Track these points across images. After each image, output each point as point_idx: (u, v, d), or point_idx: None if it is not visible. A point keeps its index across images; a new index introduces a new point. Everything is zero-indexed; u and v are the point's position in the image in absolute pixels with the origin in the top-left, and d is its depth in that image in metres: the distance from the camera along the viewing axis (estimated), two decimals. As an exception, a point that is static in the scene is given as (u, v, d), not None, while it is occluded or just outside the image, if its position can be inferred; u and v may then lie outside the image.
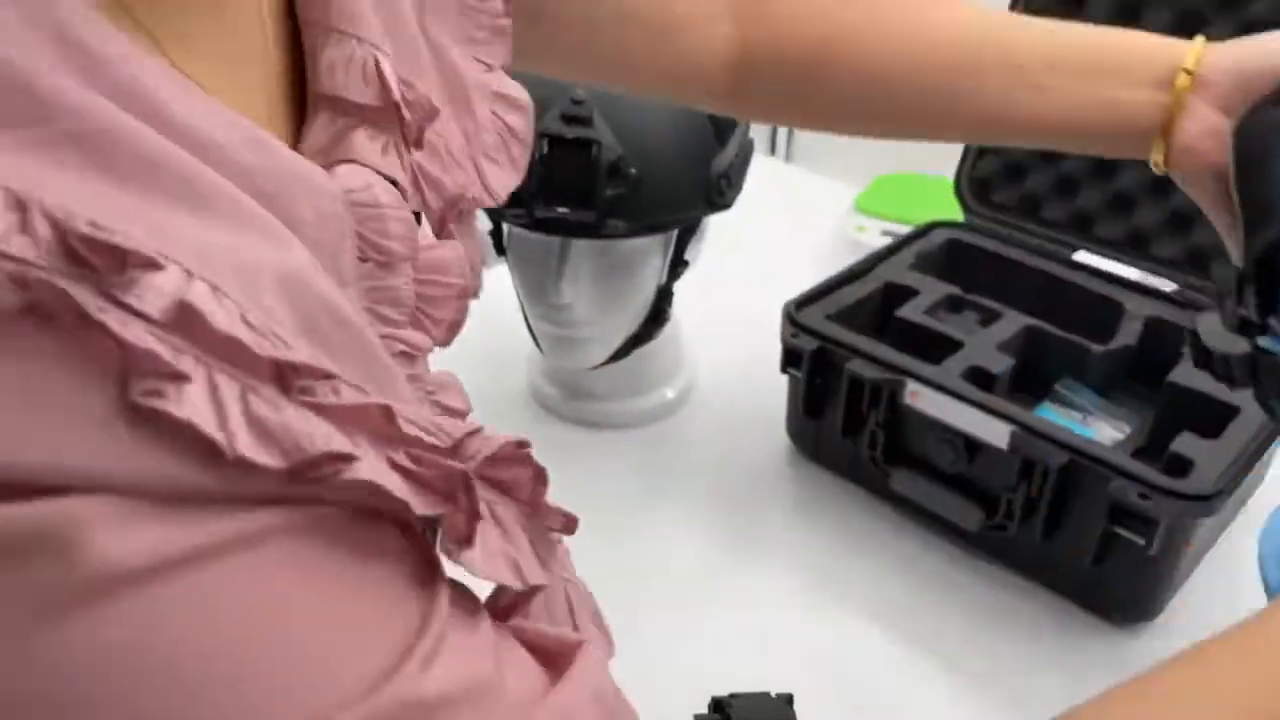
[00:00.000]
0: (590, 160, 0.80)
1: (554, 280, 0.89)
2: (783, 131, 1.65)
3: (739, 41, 0.61)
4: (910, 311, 0.94)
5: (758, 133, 1.71)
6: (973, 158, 1.08)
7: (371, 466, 0.26)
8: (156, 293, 0.23)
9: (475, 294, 0.43)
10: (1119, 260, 1.00)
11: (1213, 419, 0.80)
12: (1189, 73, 0.51)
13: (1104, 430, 0.91)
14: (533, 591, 0.33)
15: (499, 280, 1.00)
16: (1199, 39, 0.53)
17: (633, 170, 0.82)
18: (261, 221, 0.28)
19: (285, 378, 0.25)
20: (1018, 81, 0.55)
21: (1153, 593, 0.78)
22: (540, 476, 0.33)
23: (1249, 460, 0.75)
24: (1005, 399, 0.85)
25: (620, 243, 0.87)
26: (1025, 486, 0.79)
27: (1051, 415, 0.92)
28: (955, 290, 0.98)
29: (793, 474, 0.96)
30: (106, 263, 0.22)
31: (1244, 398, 0.82)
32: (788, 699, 0.58)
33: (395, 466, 0.27)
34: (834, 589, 0.85)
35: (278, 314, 0.26)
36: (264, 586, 0.25)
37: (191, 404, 0.23)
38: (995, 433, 0.79)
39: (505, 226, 0.92)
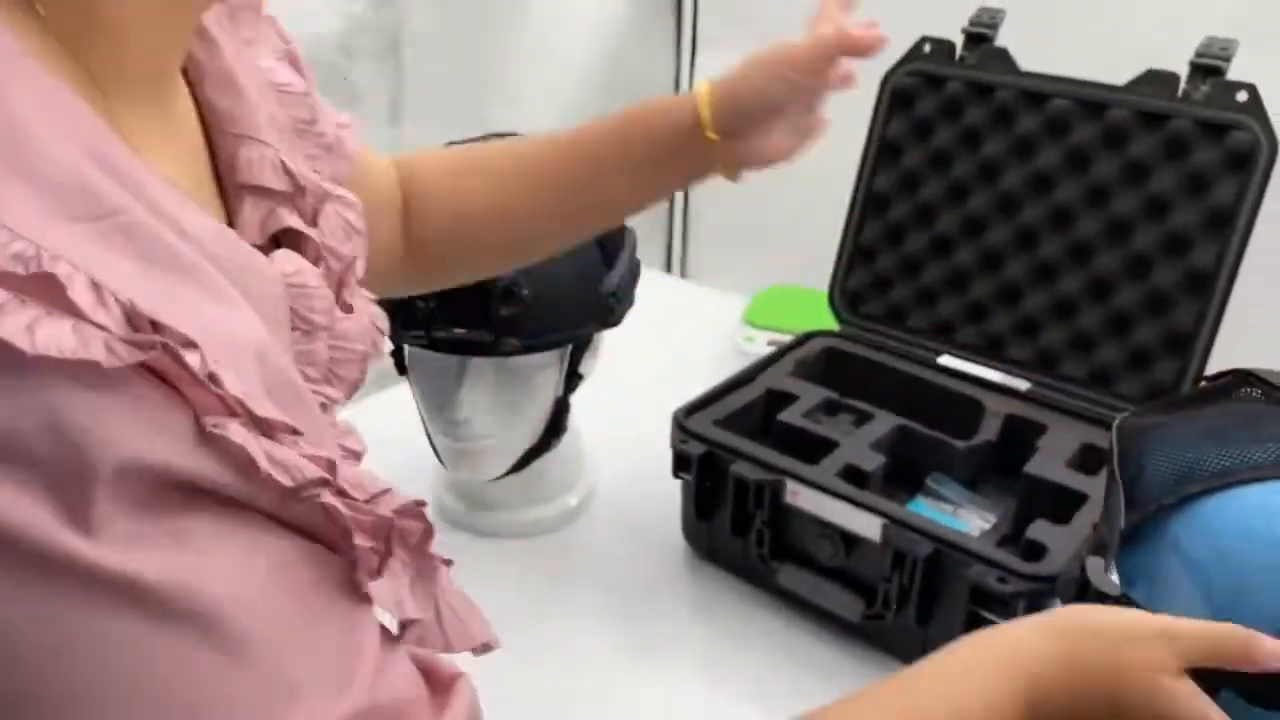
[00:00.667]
0: (485, 283, 0.85)
1: (453, 396, 0.93)
2: (677, 248, 1.74)
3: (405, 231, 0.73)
4: (790, 415, 1.01)
5: (655, 250, 1.80)
6: (843, 272, 1.17)
7: (331, 499, 0.34)
8: (198, 360, 0.31)
9: (378, 355, 0.50)
10: (979, 362, 1.08)
11: (1065, 506, 0.88)
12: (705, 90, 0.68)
13: (973, 520, 0.98)
14: (410, 623, 0.39)
15: (400, 398, 1.04)
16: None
17: (525, 291, 0.88)
18: (239, 303, 0.35)
19: (270, 429, 0.33)
20: (616, 166, 0.71)
21: (1020, 671, 0.84)
22: (428, 532, 0.39)
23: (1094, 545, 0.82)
24: (879, 495, 0.91)
25: (516, 359, 0.92)
26: (898, 576, 0.84)
27: (924, 509, 0.98)
28: (832, 394, 1.05)
29: (689, 575, 1.00)
30: (156, 335, 0.30)
31: (1093, 486, 0.90)
32: None
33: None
34: (730, 684, 0.89)
35: (253, 378, 0.34)
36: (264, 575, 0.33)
37: (240, 434, 0.32)
38: (868, 526, 0.85)
39: (405, 347, 0.96)
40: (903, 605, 0.86)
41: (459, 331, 0.87)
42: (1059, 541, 0.83)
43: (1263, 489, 0.57)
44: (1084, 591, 0.63)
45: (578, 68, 1.44)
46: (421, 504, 0.39)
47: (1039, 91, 1.03)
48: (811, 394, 1.05)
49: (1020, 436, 1.00)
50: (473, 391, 0.93)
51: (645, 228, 1.73)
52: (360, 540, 0.35)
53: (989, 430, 1.01)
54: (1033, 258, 1.05)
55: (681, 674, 0.90)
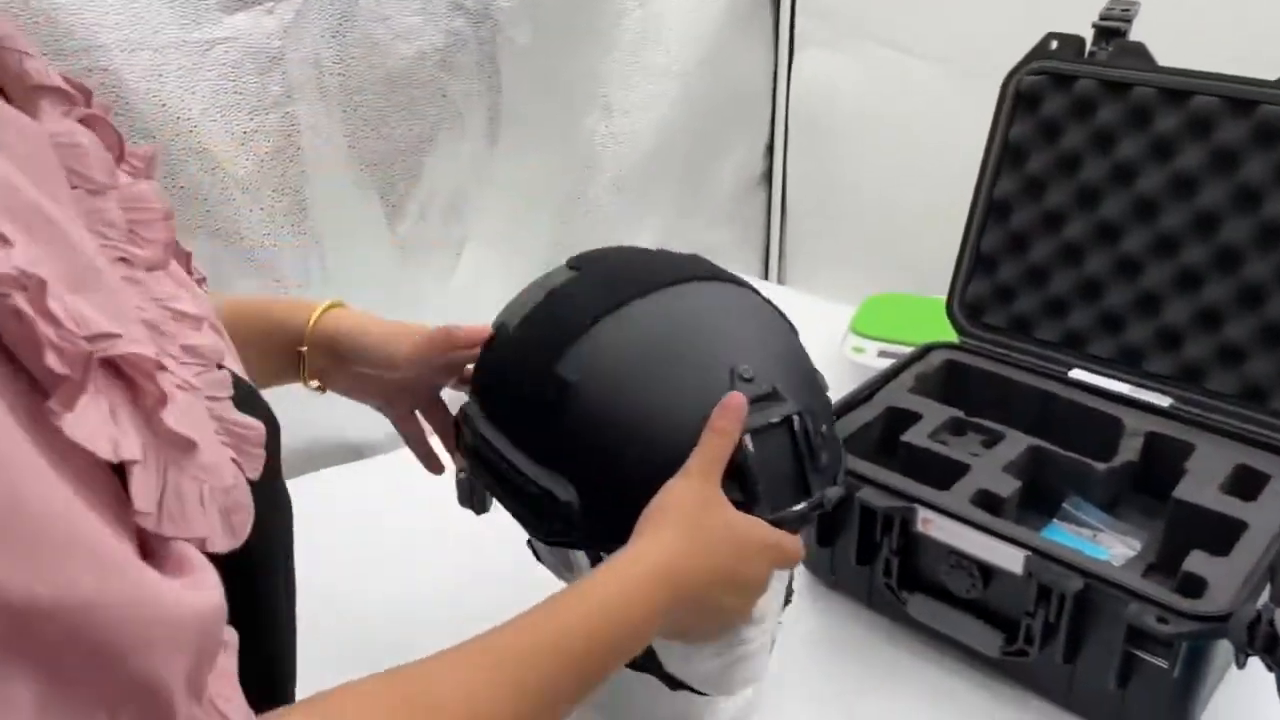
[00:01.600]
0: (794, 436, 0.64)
1: None
2: (775, 253, 1.70)
3: None
4: (915, 436, 0.96)
5: (751, 255, 1.76)
6: (963, 282, 1.12)
7: (22, 304, 0.31)
8: None
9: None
10: (1114, 376, 1.02)
11: (1222, 536, 0.82)
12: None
13: (1115, 547, 0.92)
14: (126, 466, 0.34)
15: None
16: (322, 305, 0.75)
17: (824, 426, 0.68)
18: None
19: None
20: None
21: (1179, 714, 0.78)
22: (162, 399, 0.35)
23: (1261, 579, 0.76)
24: (1014, 520, 0.87)
25: None
26: (1043, 611, 0.79)
27: (1061, 534, 0.93)
28: (957, 413, 1.00)
29: (811, 603, 0.97)
30: None
31: (1251, 513, 0.84)
32: None
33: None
34: (852, 716, 0.85)
35: None
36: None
37: None
38: (1009, 558, 0.80)
39: None
40: (1048, 641, 0.81)
41: (794, 509, 0.64)
42: (1219, 575, 0.77)
43: None
44: (1272, 647, 0.58)
45: (676, 77, 1.41)
46: (163, 366, 0.35)
47: (1180, 89, 0.96)
48: (936, 412, 1.00)
49: (1164, 457, 0.94)
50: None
51: (741, 232, 1.70)
52: (53, 361, 0.31)
53: (1129, 450, 0.95)
54: (1174, 265, 0.99)
55: (804, 708, 0.86)
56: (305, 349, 0.74)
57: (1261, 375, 0.94)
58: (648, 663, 0.69)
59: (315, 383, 0.76)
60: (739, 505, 0.61)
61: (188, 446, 0.35)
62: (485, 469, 0.68)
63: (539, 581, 0.68)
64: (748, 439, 0.61)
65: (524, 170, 1.29)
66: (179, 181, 0.95)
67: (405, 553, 1.02)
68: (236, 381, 0.44)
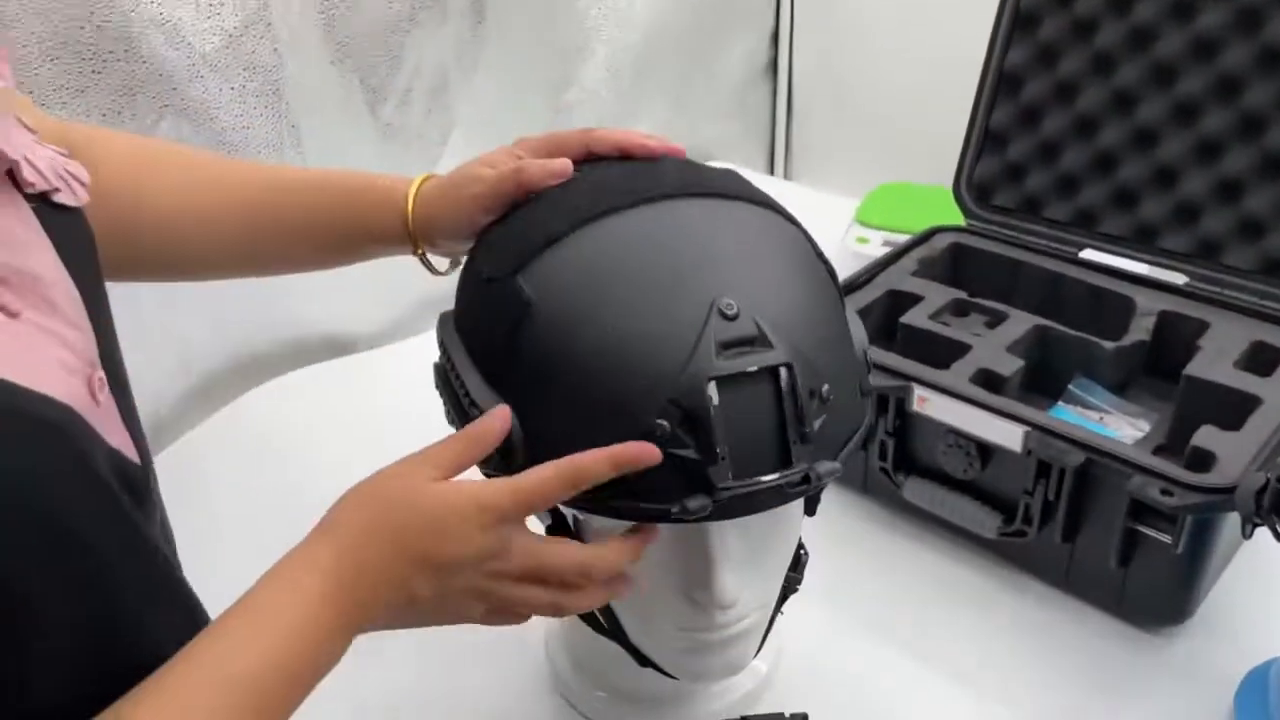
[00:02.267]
0: (779, 392, 0.53)
1: (706, 573, 0.59)
2: (780, 148, 1.64)
3: None
4: (914, 317, 0.92)
5: (756, 151, 1.70)
6: (971, 161, 1.07)
7: None
8: None
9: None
10: (1127, 255, 0.97)
11: (1234, 411, 0.78)
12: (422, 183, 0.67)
13: (1123, 429, 0.88)
14: None
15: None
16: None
17: (828, 389, 0.55)
18: None
19: None
20: (305, 214, 0.68)
21: (1182, 594, 0.75)
22: None
23: (1274, 450, 0.72)
24: (1017, 401, 0.83)
25: None
26: (1042, 489, 0.76)
27: (1067, 416, 0.89)
28: (960, 294, 0.96)
29: (804, 490, 0.94)
30: None
31: (1267, 388, 0.80)
32: (802, 717, 0.56)
33: None
34: (849, 607, 0.82)
35: None
36: None
37: None
38: (1008, 435, 0.77)
39: (582, 522, 0.62)
40: (1046, 521, 0.77)
41: (764, 479, 0.53)
42: (1230, 449, 0.73)
43: None
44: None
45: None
46: None
47: (1204, -59, 0.89)
48: (938, 294, 0.95)
49: (1177, 335, 0.89)
50: (727, 558, 0.59)
51: (744, 128, 1.64)
52: None
53: (1140, 330, 0.91)
54: (1193, 134, 0.93)
55: (797, 601, 0.84)
56: (413, 234, 0.66)
57: (1282, 248, 0.89)
58: (615, 631, 0.64)
59: (444, 264, 0.70)
60: (693, 464, 0.51)
61: None
62: (444, 383, 0.62)
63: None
64: (711, 386, 0.51)
65: (511, 52, 1.24)
66: (141, 55, 0.90)
67: (395, 449, 1.00)
68: (17, 398, 0.37)
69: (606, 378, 0.52)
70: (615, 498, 0.53)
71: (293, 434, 1.05)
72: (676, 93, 1.49)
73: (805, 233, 0.61)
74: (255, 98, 1.01)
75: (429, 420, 0.64)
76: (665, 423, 0.51)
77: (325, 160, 1.09)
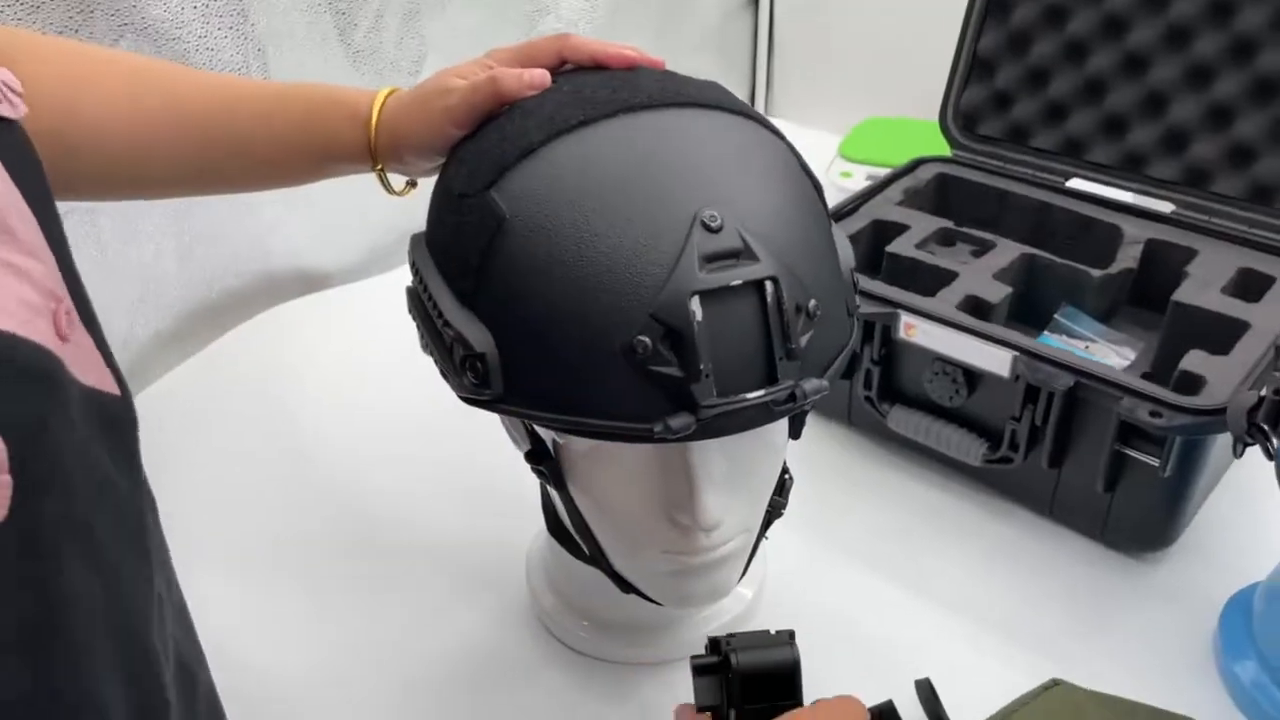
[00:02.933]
0: (765, 307, 0.51)
1: (687, 496, 0.57)
2: (761, 83, 1.61)
3: None
4: (901, 246, 0.91)
5: (736, 85, 1.67)
6: (957, 89, 1.04)
7: None
8: None
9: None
10: (1115, 184, 0.96)
11: (1222, 336, 0.77)
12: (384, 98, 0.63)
13: (1109, 358, 0.87)
14: None
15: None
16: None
17: (814, 303, 0.53)
18: None
19: None
20: (262, 125, 0.63)
21: (1167, 518, 0.75)
22: None
23: (1264, 372, 0.72)
24: (1005, 328, 0.82)
25: None
26: (1029, 414, 0.75)
27: (1053, 344, 0.88)
28: (947, 224, 0.94)
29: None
30: None
31: (1254, 313, 0.79)
32: (789, 634, 0.55)
33: None
34: (834, 535, 0.82)
35: None
36: None
37: None
38: (995, 360, 0.76)
39: (562, 446, 0.60)
40: (1033, 447, 0.77)
41: (749, 397, 0.51)
42: (1218, 373, 0.72)
43: None
44: (1276, 418, 0.54)
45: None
46: None
47: None
48: (924, 223, 0.94)
49: (1165, 264, 0.88)
50: (710, 479, 0.57)
51: (725, 61, 1.60)
52: None
53: (1128, 258, 0.90)
54: (1184, 58, 0.91)
55: (783, 533, 0.83)
56: (375, 150, 0.62)
57: (1271, 174, 0.88)
58: (597, 557, 0.63)
59: (399, 183, 0.66)
60: (676, 381, 0.49)
61: None
62: (417, 306, 0.59)
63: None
64: (694, 300, 0.49)
65: (486, -25, 1.20)
66: (98, -30, 0.86)
67: (380, 387, 0.98)
68: None
69: (584, 294, 0.50)
70: (595, 416, 0.51)
71: (276, 374, 1.03)
72: (656, 25, 1.46)
73: (791, 146, 0.59)
74: (219, 18, 0.97)
75: (413, 357, 0.62)
76: (647, 339, 0.49)
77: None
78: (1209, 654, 0.71)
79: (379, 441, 0.93)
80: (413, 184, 0.67)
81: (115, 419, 0.38)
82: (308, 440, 0.95)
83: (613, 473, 0.58)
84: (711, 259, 0.50)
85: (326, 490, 0.89)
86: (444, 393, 0.57)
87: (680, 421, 0.50)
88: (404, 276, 0.62)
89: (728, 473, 0.58)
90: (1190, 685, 0.69)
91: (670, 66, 0.62)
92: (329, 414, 0.97)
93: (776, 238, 0.52)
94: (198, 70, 0.70)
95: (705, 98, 0.57)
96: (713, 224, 0.50)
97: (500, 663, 0.73)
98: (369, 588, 0.79)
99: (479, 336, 0.52)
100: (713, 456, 0.56)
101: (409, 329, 0.61)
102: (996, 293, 0.84)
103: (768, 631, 0.55)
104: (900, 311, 0.80)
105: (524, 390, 0.53)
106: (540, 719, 0.69)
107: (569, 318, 0.50)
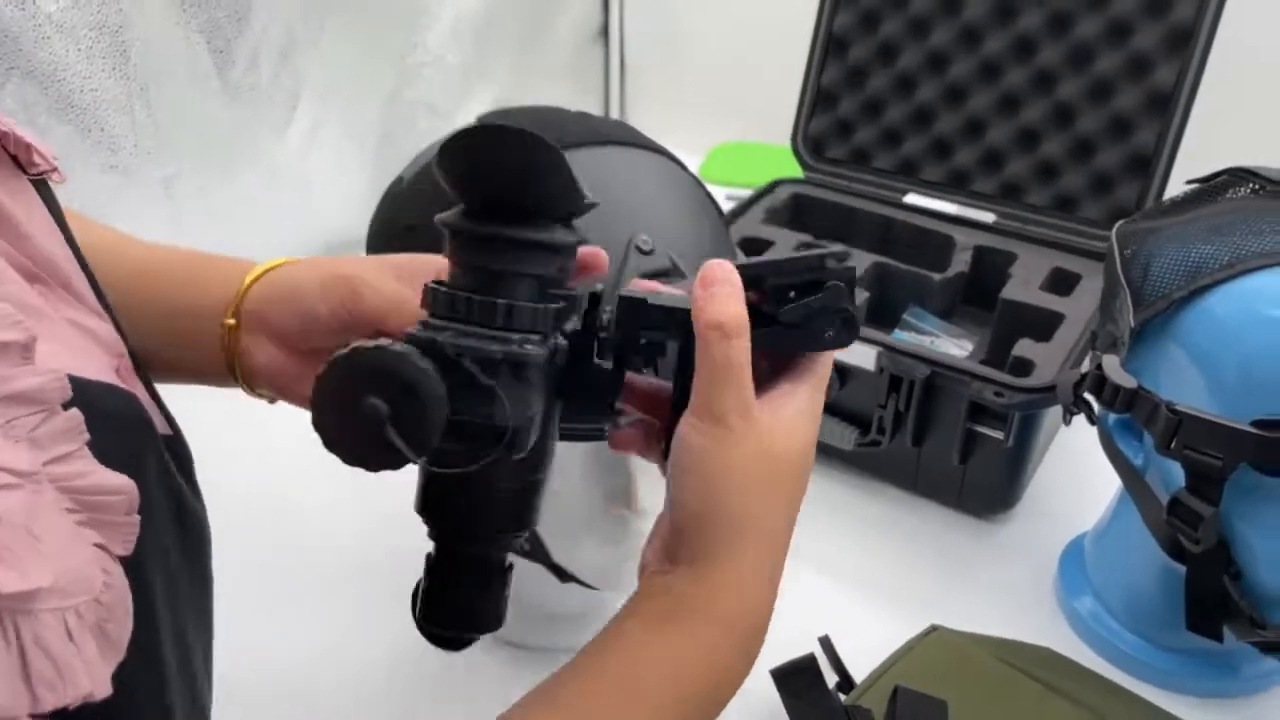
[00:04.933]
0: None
1: (631, 488, 0.66)
2: (616, 110, 1.71)
3: None
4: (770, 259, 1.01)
5: (589, 110, 1.75)
6: (805, 118, 1.16)
7: None
8: None
9: None
10: (945, 198, 1.10)
11: (1043, 326, 0.91)
12: (236, 312, 0.50)
13: (951, 349, 1.00)
14: None
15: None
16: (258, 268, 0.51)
17: None
18: None
19: None
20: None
21: (1010, 484, 0.88)
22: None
23: (1078, 358, 0.86)
24: (866, 328, 0.93)
25: None
26: (894, 401, 0.87)
27: (906, 340, 1.01)
28: (807, 238, 1.05)
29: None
30: None
31: (1067, 305, 0.93)
32: (844, 255, 0.61)
33: None
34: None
35: None
36: None
37: None
38: (863, 356, 0.87)
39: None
40: (898, 429, 0.88)
41: None
42: (1044, 357, 0.86)
43: (1268, 274, 0.60)
44: (1100, 388, 0.66)
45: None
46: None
47: (1001, -84, 1.02)
48: (787, 238, 1.05)
49: (991, 266, 1.02)
50: (646, 472, 0.67)
51: (580, 88, 1.69)
52: None
53: (960, 263, 1.03)
54: (996, 89, 1.06)
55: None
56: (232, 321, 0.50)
57: (1073, 188, 1.04)
58: (535, 551, 0.68)
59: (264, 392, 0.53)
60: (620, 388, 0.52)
61: (30, 597, 0.26)
62: None
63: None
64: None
65: (358, 15, 1.24)
66: (-16, 15, 0.87)
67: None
68: (90, 393, 0.31)
69: None
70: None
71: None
72: (516, 56, 1.53)
73: (695, 177, 0.68)
74: (103, 59, 0.98)
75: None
76: None
77: (177, 122, 1.07)
78: (1052, 594, 0.84)
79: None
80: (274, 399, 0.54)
81: (181, 457, 0.41)
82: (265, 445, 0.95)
83: (558, 474, 0.65)
84: (646, 277, 0.56)
85: (264, 494, 0.91)
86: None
87: (627, 422, 0.57)
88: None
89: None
90: (1039, 621, 0.81)
91: (529, 96, 0.69)
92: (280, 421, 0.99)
93: (698, 257, 0.59)
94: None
95: (620, 136, 0.65)
96: (645, 247, 0.58)
97: (437, 662, 0.78)
98: (303, 590, 0.83)
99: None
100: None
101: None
102: (858, 297, 0.95)
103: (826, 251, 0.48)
104: (778, 318, 0.90)
105: None
106: (483, 713, 0.75)
107: None
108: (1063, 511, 0.90)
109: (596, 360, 0.45)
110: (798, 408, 0.42)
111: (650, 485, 0.64)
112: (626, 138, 0.65)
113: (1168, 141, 0.98)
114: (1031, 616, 0.82)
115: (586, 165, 0.61)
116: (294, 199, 1.25)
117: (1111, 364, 0.65)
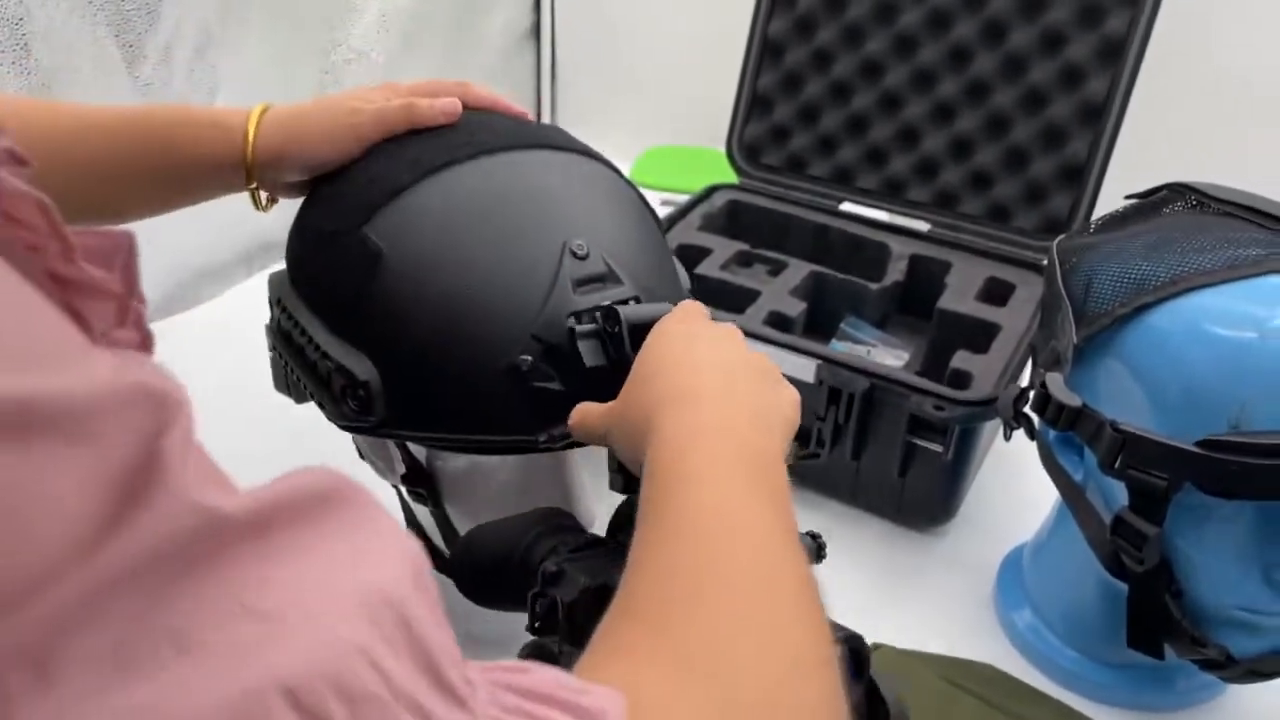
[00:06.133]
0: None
1: (567, 503, 0.65)
2: (547, 112, 1.68)
3: None
4: (707, 269, 1.00)
5: (521, 106, 1.72)
6: (741, 124, 1.15)
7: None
8: None
9: None
10: (880, 207, 1.09)
11: (980, 337, 0.90)
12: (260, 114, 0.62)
13: (888, 359, 1.00)
14: None
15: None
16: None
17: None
18: None
19: None
20: (111, 147, 0.61)
21: (949, 496, 0.88)
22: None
23: (1016, 369, 0.86)
24: (805, 340, 0.92)
25: None
26: (833, 413, 0.86)
27: (843, 350, 1.00)
28: (743, 246, 1.04)
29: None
30: None
31: (1003, 316, 0.93)
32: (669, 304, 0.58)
33: None
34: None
35: None
36: None
37: None
38: (802, 368, 0.86)
39: (438, 467, 0.65)
40: (837, 442, 0.87)
41: None
42: (982, 369, 0.86)
43: (1211, 293, 0.60)
44: (1044, 406, 0.66)
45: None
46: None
47: (936, -76, 1.01)
48: (724, 247, 1.03)
49: (927, 276, 1.02)
50: (584, 488, 0.67)
51: (512, 89, 1.65)
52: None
53: (896, 271, 1.03)
54: (931, 98, 1.06)
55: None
56: (251, 165, 0.61)
57: (1006, 197, 1.04)
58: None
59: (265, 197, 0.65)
60: (555, 394, 0.54)
61: None
62: (285, 342, 0.61)
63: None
64: (571, 320, 0.54)
65: (278, 11, 1.19)
66: None
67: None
68: None
69: (465, 319, 0.54)
70: (481, 433, 0.55)
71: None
72: (444, 56, 1.49)
73: (630, 182, 0.66)
74: (2, 53, 0.92)
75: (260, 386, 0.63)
76: (529, 357, 0.54)
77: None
78: (991, 607, 0.83)
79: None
80: (274, 200, 0.66)
81: None
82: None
83: (491, 488, 0.63)
84: (582, 283, 0.56)
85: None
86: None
87: (563, 429, 0.54)
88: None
89: (598, 481, 0.63)
90: (978, 635, 0.81)
91: None
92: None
93: (633, 262, 0.59)
94: (47, 101, 0.67)
95: (552, 140, 0.63)
96: (580, 252, 0.56)
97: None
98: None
99: (361, 366, 0.55)
100: (585, 465, 0.62)
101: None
102: (794, 308, 0.94)
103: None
104: (716, 329, 0.88)
105: (409, 415, 0.56)
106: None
107: (453, 342, 0.55)
108: (1001, 523, 0.90)
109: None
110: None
111: (588, 504, 0.62)
112: (561, 142, 0.63)
113: (1100, 152, 0.98)
114: (972, 630, 0.81)
115: (515, 168, 0.59)
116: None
117: (1055, 381, 0.65)
